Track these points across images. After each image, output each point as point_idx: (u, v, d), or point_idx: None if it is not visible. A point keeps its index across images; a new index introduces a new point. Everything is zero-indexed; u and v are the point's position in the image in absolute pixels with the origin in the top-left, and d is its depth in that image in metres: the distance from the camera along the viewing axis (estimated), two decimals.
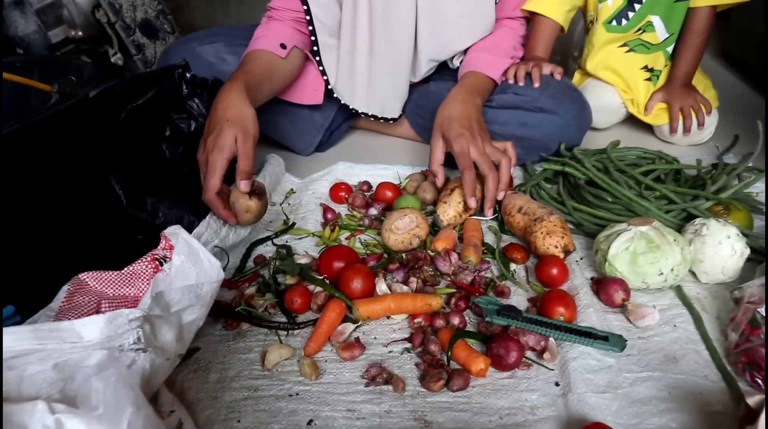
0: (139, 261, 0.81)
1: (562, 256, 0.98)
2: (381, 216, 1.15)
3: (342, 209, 1.21)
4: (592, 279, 0.98)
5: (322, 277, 0.95)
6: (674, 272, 0.91)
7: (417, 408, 0.76)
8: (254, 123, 1.00)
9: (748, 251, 0.94)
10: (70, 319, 0.65)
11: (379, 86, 1.33)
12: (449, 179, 1.19)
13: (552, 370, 0.81)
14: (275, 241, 1.11)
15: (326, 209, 1.17)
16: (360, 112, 1.38)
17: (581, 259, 1.04)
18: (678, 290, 0.94)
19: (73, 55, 1.66)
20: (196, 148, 1.00)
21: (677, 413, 0.74)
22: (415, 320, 0.88)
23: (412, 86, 1.40)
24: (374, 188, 1.24)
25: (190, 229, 1.00)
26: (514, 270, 1.01)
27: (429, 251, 1.02)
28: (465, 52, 1.33)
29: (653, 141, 1.49)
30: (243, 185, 0.97)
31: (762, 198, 1.15)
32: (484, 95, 1.24)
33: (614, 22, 1.42)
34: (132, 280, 0.79)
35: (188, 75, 1.09)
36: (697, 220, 0.98)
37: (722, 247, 0.92)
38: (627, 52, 1.45)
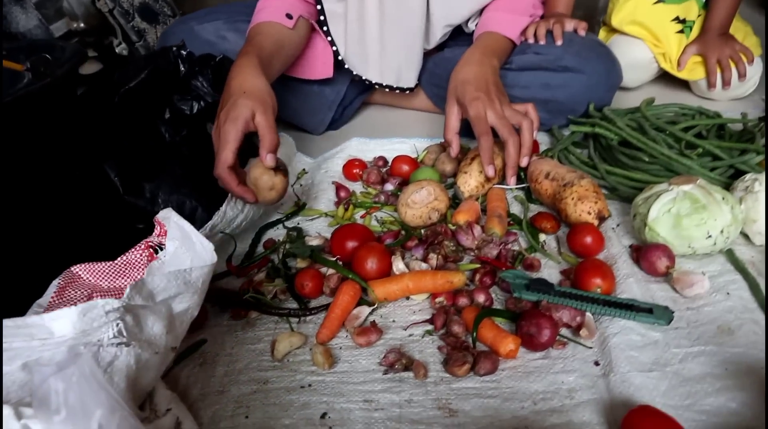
0: (133, 250, 0.76)
1: (596, 223, 0.91)
2: (397, 191, 1.08)
3: (356, 187, 1.15)
4: (631, 246, 0.91)
5: (334, 259, 0.89)
6: (724, 234, 0.83)
7: (440, 396, 0.70)
8: (272, 95, 0.93)
9: None
10: None
11: (393, 54, 1.26)
12: (469, 149, 1.11)
13: (590, 348, 0.75)
14: (286, 223, 1.05)
15: (339, 187, 1.11)
16: (374, 82, 1.31)
17: (617, 226, 0.96)
18: (729, 254, 0.87)
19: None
20: (199, 131, 0.94)
21: (736, 391, 0.67)
22: (437, 300, 0.82)
23: (427, 54, 1.33)
24: (390, 163, 1.17)
25: (192, 216, 0.95)
26: (544, 241, 0.94)
27: (450, 225, 0.95)
28: (481, 13, 1.24)
29: (691, 98, 1.39)
30: (269, 159, 0.89)
31: None
32: (502, 57, 1.17)
33: None
34: (127, 271, 0.74)
35: (184, 53, 1.03)
36: (748, 176, 0.92)
37: None
38: (656, 3, 1.35)
